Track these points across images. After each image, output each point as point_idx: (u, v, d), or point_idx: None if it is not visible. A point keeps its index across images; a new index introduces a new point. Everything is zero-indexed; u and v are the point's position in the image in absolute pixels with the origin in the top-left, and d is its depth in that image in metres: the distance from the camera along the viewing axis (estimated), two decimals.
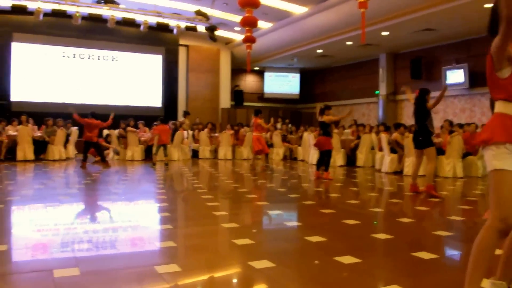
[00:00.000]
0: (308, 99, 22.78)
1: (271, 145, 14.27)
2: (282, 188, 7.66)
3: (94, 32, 16.25)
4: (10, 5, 13.27)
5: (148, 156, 12.93)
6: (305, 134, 13.56)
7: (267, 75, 22.32)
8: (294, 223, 4.85)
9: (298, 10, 14.64)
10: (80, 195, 6.65)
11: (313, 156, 12.22)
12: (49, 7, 13.58)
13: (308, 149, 13.07)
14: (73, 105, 12.95)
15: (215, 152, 14.41)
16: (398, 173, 10.28)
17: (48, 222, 4.59)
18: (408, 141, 9.69)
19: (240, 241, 3.80)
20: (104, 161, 10.80)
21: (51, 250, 3.57)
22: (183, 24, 15.17)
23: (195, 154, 14.31)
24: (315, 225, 4.71)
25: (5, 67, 15.55)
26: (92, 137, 10.54)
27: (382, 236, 4.14)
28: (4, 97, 15.28)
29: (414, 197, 6.72)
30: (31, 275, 2.97)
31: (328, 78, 21.91)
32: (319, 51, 17.54)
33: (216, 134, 14.76)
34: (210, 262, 3.31)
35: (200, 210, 5.42)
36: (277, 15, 15.17)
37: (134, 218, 5.03)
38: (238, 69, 21.28)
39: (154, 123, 12.09)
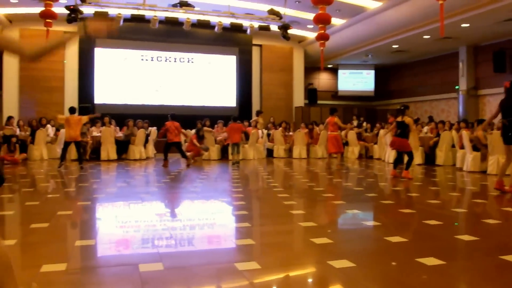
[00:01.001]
0: (384, 96, 22.12)
1: (346, 143, 14.02)
2: (358, 187, 7.49)
3: (171, 35, 16.90)
4: (93, 12, 14.13)
5: (224, 155, 13.22)
6: (381, 132, 13.17)
7: (340, 72, 21.96)
8: (372, 223, 4.72)
9: (373, 4, 14.24)
10: (160, 193, 6.93)
11: (390, 154, 11.83)
12: (128, 12, 14.31)
13: (385, 147, 12.68)
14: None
15: (289, 151, 14.42)
16: (482, 172, 9.68)
17: (131, 218, 4.82)
18: (492, 138, 9.08)
19: (318, 240, 3.75)
20: (185, 157, 11.19)
21: (135, 245, 3.74)
22: (256, 24, 15.33)
23: (269, 153, 14.42)
24: (394, 225, 4.55)
25: (89, 72, 16.63)
26: (173, 138, 10.97)
27: (466, 237, 3.91)
28: (89, 100, 16.33)
29: (500, 198, 6.28)
30: (118, 268, 3.13)
31: (404, 74, 21.14)
32: (395, 46, 16.97)
33: (291, 133, 14.76)
34: (289, 260, 3.30)
35: (277, 209, 5.44)
36: (351, 11, 14.87)
37: (212, 216, 5.16)
38: (311, 67, 21.14)
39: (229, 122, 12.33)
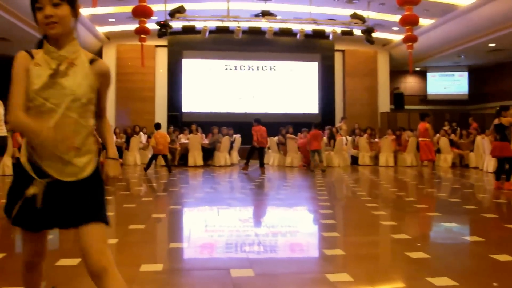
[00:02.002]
0: (479, 99, 20.72)
1: (437, 151, 13.30)
2: (454, 198, 7.04)
3: (253, 44, 17.20)
4: (181, 26, 14.79)
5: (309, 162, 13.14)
6: (478, 139, 12.32)
7: (429, 75, 20.96)
8: (474, 238, 4.38)
9: (464, 1, 13.44)
10: (246, 199, 7.02)
11: (489, 163, 11.01)
12: (213, 24, 14.78)
13: (483, 155, 11.83)
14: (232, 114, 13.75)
15: (375, 158, 13.99)
16: None
17: (219, 223, 4.93)
18: None
19: (413, 254, 3.57)
20: (262, 166, 11.25)
21: (225, 250, 3.81)
22: (338, 29, 15.13)
23: (354, 160, 14.09)
24: (500, 241, 4.20)
25: (177, 82, 17.41)
26: (261, 141, 11.11)
27: None
28: (177, 109, 17.09)
29: None
30: (211, 272, 3.20)
31: (503, 75, 19.64)
32: (491, 45, 15.84)
33: (376, 140, 14.32)
34: (383, 273, 3.17)
35: (366, 219, 5.28)
36: (440, 10, 14.14)
37: (299, 224, 5.12)
38: (397, 71, 20.40)
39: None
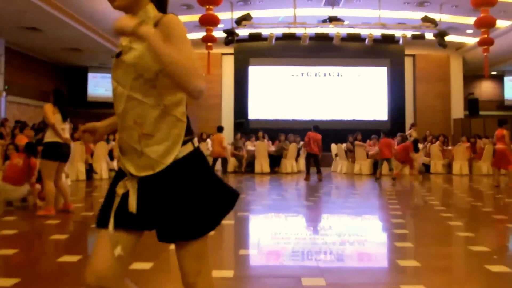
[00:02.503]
0: None
1: None
2: None
3: (320, 50, 17.08)
4: (247, 34, 15.02)
5: (375, 170, 12.80)
6: None
7: (507, 79, 19.78)
8: None
9: None
10: (315, 207, 6.96)
11: None
12: (280, 31, 14.88)
13: None
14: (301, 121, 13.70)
15: (448, 166, 13.37)
16: None
17: (288, 231, 4.92)
18: None
19: (495, 268, 3.37)
20: (319, 173, 11.10)
21: (295, 258, 3.80)
22: (409, 33, 14.68)
23: (426, 168, 13.56)
24: None
25: (243, 89, 17.67)
26: (313, 149, 11.00)
27: None
28: (243, 116, 17.33)
29: None
30: (282, 280, 3.20)
31: None
32: None
33: (449, 147, 13.69)
34: (460, 287, 3.02)
35: (441, 229, 5.05)
36: None
37: (370, 233, 5.01)
38: (471, 76, 19.41)
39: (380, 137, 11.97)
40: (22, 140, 7.54)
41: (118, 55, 1.54)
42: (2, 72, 12.91)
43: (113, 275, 1.52)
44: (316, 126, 11.49)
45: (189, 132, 1.54)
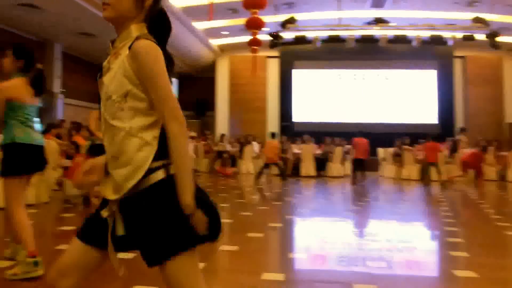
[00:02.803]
0: None
1: None
2: None
3: (366, 52, 16.82)
4: (292, 36, 15.02)
5: (424, 175, 12.46)
6: None
7: None
8: None
9: None
10: (363, 212, 6.86)
11: None
12: (325, 34, 14.78)
13: None
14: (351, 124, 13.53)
15: (502, 173, 12.82)
16: None
17: (337, 235, 4.88)
18: None
19: None
20: (363, 177, 10.92)
21: (345, 263, 3.76)
22: (459, 34, 14.20)
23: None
24: None
25: (288, 92, 17.65)
26: (359, 155, 10.83)
27: None
28: (289, 118, 17.31)
29: None
30: (334, 285, 3.17)
31: None
32: None
33: (504, 153, 13.12)
34: None
35: (497, 239, 4.85)
36: None
37: (421, 240, 4.88)
38: None
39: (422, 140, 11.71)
40: (78, 140, 7.86)
41: (101, 75, 1.52)
42: (60, 76, 13.50)
43: (72, 277, 1.52)
44: (361, 131, 11.33)
45: (163, 157, 1.44)
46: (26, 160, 3.22)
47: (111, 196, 1.47)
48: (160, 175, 1.43)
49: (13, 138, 3.17)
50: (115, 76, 1.44)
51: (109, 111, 1.45)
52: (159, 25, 1.54)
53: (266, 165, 11.40)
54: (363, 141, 10.96)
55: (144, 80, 1.41)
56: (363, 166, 11.07)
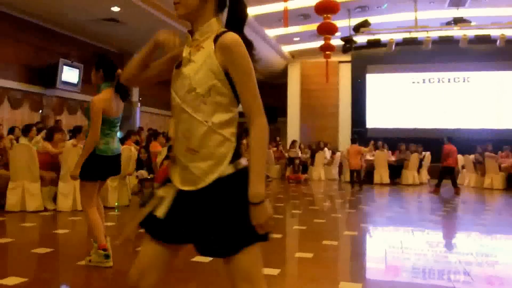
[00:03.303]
0: None
1: None
2: None
3: (443, 54, 16.08)
4: (366, 40, 14.72)
5: (510, 184, 11.66)
6: None
7: None
8: None
9: None
10: (443, 222, 6.56)
11: None
12: (400, 36, 14.35)
13: None
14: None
15: None
16: None
17: (416, 246, 4.70)
18: None
19: None
20: (455, 187, 10.34)
21: (426, 276, 3.62)
22: None
23: None
24: None
25: (361, 97, 17.29)
26: (450, 162, 10.27)
27: None
28: (361, 124, 16.95)
29: None
30: None
31: None
32: None
33: None
34: None
35: None
36: None
37: (506, 254, 4.58)
38: None
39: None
40: (155, 146, 8.24)
41: (178, 66, 1.55)
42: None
43: (152, 275, 1.57)
44: (449, 137, 10.75)
45: (237, 154, 1.50)
46: (102, 169, 3.54)
47: (184, 186, 1.51)
48: (230, 169, 1.47)
49: (95, 148, 3.47)
50: (200, 69, 1.47)
51: (191, 104, 1.48)
52: (234, 11, 1.57)
53: (352, 172, 11.15)
54: (452, 148, 10.43)
55: (235, 73, 1.46)
56: (454, 174, 10.52)
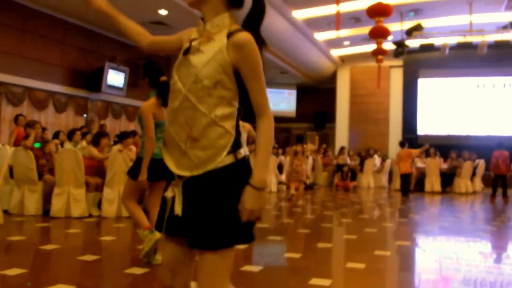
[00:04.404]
0: None
1: None
2: None
3: (500, 59, 15.51)
4: (418, 44, 14.48)
5: None
6: None
7: None
8: None
9: None
10: (499, 232, 6.40)
11: None
12: (454, 40, 14.03)
13: None
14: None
15: None
16: None
17: (473, 257, 4.64)
18: None
19: None
20: (505, 196, 10.03)
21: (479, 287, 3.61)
22: None
23: None
24: None
25: (412, 103, 16.99)
26: (501, 170, 9.98)
27: None
28: (412, 130, 16.65)
29: None
30: None
31: None
32: None
33: None
34: None
35: None
36: None
37: None
38: None
39: None
40: None
41: (186, 52, 1.58)
42: None
43: (182, 271, 1.63)
44: (501, 142, 10.44)
45: (237, 145, 1.56)
46: (154, 171, 3.72)
47: (180, 171, 1.57)
48: (230, 159, 1.54)
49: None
50: (210, 61, 1.52)
51: (196, 94, 1.52)
52: (254, 8, 1.60)
53: (402, 177, 10.94)
54: (504, 154, 10.09)
55: (247, 72, 1.52)
56: (505, 182, 10.19)
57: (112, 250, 4.68)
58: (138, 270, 3.64)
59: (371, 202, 10.13)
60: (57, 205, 6.23)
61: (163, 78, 3.83)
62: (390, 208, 9.08)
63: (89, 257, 4.07)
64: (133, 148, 7.04)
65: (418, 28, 12.92)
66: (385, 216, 8.02)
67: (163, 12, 10.34)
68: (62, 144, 7.86)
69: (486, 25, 13.04)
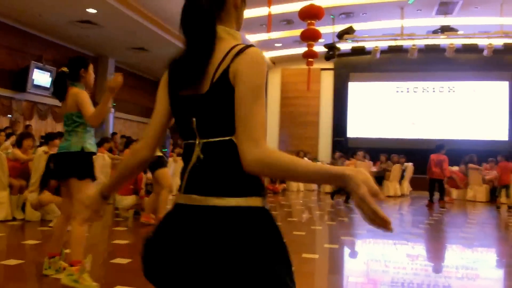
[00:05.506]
0: None
1: None
2: None
3: (429, 63, 16.45)
4: (350, 48, 14.96)
5: (492, 197, 12.00)
6: None
7: None
8: None
9: None
10: (425, 235, 6.73)
11: None
12: (385, 44, 14.64)
13: None
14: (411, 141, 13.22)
15: None
16: None
17: (399, 260, 4.83)
18: None
19: None
20: (441, 200, 10.55)
21: None
22: None
23: None
24: None
25: (342, 106, 17.57)
26: (435, 173, 10.27)
27: None
28: (342, 134, 17.20)
29: None
30: None
31: None
32: None
33: None
34: None
35: None
36: None
37: (487, 267, 4.75)
38: None
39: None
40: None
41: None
42: None
43: None
44: (440, 145, 10.73)
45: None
46: (92, 167, 3.52)
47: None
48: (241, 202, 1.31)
49: (82, 148, 3.47)
50: None
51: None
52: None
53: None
54: (440, 157, 10.39)
55: (246, 105, 1.24)
56: (442, 186, 10.49)
57: (36, 255, 4.54)
58: (61, 275, 3.48)
59: (300, 205, 10.28)
60: None
61: (63, 69, 3.70)
62: (319, 211, 9.25)
63: (12, 261, 4.02)
64: None
65: (349, 31, 13.34)
66: (314, 219, 8.15)
67: (91, 10, 10.19)
68: None
69: (417, 29, 13.72)
